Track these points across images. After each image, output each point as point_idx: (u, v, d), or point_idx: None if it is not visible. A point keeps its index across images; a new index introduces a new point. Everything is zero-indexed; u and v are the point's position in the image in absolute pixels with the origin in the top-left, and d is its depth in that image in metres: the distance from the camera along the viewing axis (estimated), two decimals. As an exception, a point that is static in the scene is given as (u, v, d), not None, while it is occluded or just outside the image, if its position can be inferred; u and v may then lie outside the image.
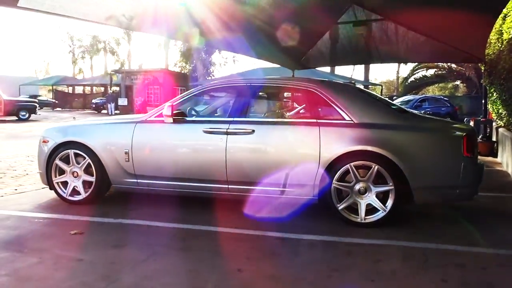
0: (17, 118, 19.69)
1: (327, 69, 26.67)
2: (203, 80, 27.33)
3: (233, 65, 37.38)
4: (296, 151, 3.67)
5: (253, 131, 3.73)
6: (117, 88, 32.94)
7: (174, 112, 3.91)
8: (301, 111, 4.68)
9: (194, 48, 30.16)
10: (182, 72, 32.93)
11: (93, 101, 34.75)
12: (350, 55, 10.33)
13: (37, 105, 21.17)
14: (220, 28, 6.56)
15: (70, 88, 44.25)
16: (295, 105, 5.39)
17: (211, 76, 31.38)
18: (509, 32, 6.44)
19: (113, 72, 34.16)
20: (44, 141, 4.25)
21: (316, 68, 15.30)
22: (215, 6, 5.60)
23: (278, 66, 12.41)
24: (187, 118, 4.05)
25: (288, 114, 4.86)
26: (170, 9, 5.52)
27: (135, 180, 4.00)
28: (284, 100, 5.87)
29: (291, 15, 6.73)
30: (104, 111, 30.28)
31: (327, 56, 10.26)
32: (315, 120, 3.69)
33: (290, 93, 5.47)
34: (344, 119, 3.62)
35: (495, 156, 8.28)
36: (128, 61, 48.56)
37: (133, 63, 48.57)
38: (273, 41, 7.81)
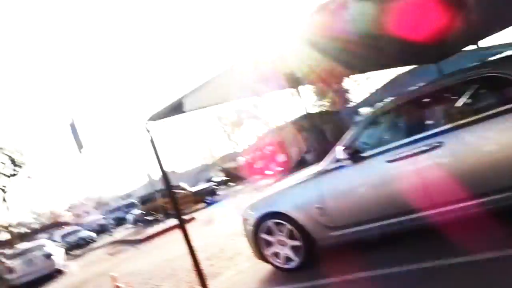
0: (205, 204, 22.41)
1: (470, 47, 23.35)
2: (343, 110, 27.01)
3: (366, 82, 36.17)
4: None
5: (441, 143, 3.36)
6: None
7: (349, 152, 3.83)
8: (482, 103, 3.97)
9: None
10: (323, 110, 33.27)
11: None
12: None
13: (216, 187, 23.96)
14: (347, 53, 6.41)
15: (235, 162, 49.15)
16: (467, 99, 4.62)
17: (349, 103, 30.88)
18: None
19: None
20: (245, 219, 4.63)
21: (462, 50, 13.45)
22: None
23: (414, 66, 11.34)
24: (363, 154, 3.89)
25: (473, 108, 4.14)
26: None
27: (339, 232, 3.95)
28: (463, 97, 5.10)
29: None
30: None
31: (472, 28, 8.93)
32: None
33: (468, 87, 4.70)
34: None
35: None
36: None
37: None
38: (401, 43, 7.22)
